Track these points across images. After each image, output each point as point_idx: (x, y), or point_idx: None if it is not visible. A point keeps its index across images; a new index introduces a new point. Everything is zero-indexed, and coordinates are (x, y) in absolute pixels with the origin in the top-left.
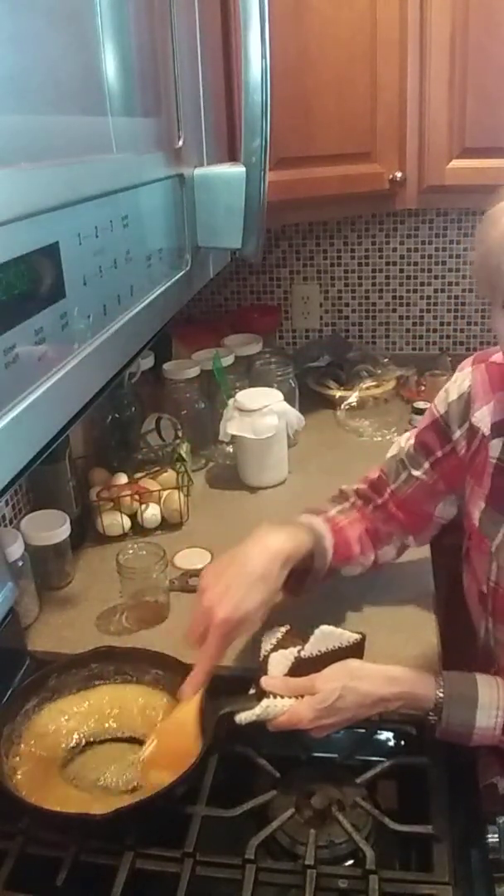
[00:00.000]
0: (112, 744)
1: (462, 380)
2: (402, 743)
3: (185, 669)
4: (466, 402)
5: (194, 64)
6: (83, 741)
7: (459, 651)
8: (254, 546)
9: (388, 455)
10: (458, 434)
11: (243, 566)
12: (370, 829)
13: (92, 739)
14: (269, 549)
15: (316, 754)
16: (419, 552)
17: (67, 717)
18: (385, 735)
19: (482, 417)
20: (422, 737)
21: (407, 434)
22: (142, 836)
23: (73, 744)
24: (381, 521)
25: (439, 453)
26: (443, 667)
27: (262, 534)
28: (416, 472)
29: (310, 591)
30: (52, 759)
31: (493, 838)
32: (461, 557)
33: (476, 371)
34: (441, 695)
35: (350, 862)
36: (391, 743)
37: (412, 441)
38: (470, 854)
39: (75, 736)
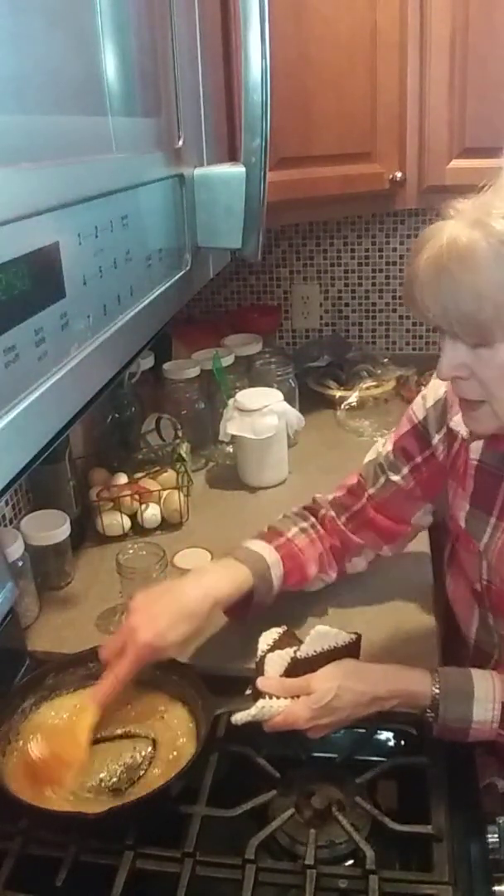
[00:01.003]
0: (109, 743)
1: (438, 386)
2: (402, 743)
3: (183, 669)
4: (443, 408)
5: (194, 64)
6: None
7: (458, 651)
8: (190, 583)
9: (367, 459)
10: (436, 439)
11: (176, 599)
12: (370, 829)
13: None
14: (204, 589)
15: (316, 754)
16: (419, 551)
17: (65, 716)
18: (385, 735)
19: (460, 422)
20: (422, 736)
21: (383, 439)
22: (142, 835)
23: (82, 727)
24: (355, 530)
25: (419, 458)
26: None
27: (201, 572)
28: (394, 477)
29: (254, 617)
30: (50, 758)
31: (492, 838)
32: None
33: None
34: (437, 690)
35: (350, 862)
36: (391, 743)
37: (390, 447)
38: (470, 854)
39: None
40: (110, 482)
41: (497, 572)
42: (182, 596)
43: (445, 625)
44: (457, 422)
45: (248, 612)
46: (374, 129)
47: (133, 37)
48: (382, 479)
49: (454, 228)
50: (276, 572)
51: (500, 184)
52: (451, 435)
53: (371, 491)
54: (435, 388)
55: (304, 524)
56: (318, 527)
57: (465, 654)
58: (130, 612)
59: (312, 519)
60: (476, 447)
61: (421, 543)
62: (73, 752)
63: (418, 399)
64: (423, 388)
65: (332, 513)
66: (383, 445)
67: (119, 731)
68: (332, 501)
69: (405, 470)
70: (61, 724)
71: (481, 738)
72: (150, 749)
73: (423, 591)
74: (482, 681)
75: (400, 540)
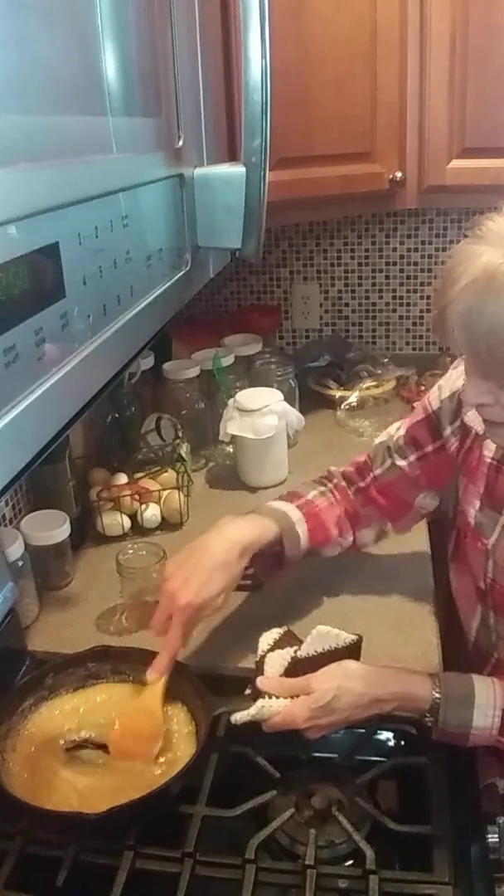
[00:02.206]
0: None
1: (455, 378)
2: (402, 743)
3: (183, 669)
4: (459, 401)
5: (194, 64)
6: (79, 740)
7: (457, 651)
8: (214, 536)
9: (377, 441)
10: (448, 431)
11: (203, 555)
12: (370, 829)
13: (88, 738)
14: (229, 538)
15: (316, 754)
16: (419, 550)
17: (64, 716)
18: (385, 735)
19: (475, 416)
20: (422, 737)
21: (398, 423)
22: (142, 835)
23: (69, 743)
24: (361, 504)
25: (429, 448)
26: (442, 667)
27: (222, 524)
28: (399, 462)
29: (287, 574)
30: (49, 758)
31: (493, 838)
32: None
33: None
34: (437, 695)
35: (350, 862)
36: (391, 743)
37: (402, 432)
38: (470, 854)
39: (72, 735)
40: (110, 482)
41: (503, 571)
42: (207, 550)
43: (447, 618)
44: (471, 417)
45: (279, 570)
46: (374, 129)
47: (133, 37)
48: (388, 463)
49: (493, 255)
50: (301, 528)
51: None
52: (465, 429)
53: (377, 472)
54: (452, 380)
55: (322, 488)
56: (335, 492)
57: (465, 650)
58: (165, 580)
59: (330, 484)
60: (490, 444)
61: (421, 544)
62: (151, 726)
63: (435, 389)
64: (423, 387)
65: (344, 483)
66: (396, 429)
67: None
68: (343, 474)
69: (412, 457)
70: (133, 709)
71: (481, 744)
72: (117, 734)
73: (423, 592)
74: (483, 687)
75: (403, 520)
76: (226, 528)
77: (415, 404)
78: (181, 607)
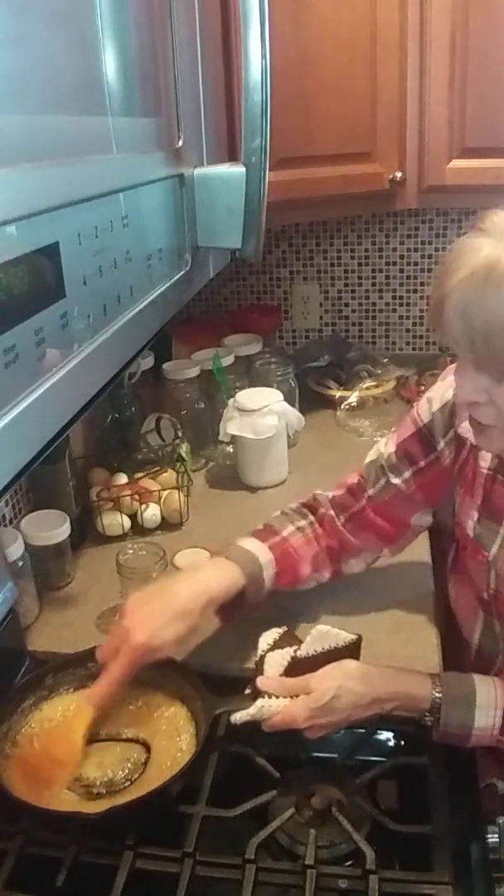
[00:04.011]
0: (108, 743)
1: (445, 389)
2: (402, 743)
3: (183, 669)
4: (451, 412)
5: (194, 64)
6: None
7: (457, 651)
8: (183, 581)
9: (368, 460)
10: (441, 444)
11: (169, 599)
12: (370, 829)
13: (88, 738)
14: (196, 588)
15: (316, 754)
16: (419, 553)
17: (64, 716)
18: (385, 735)
19: (469, 427)
20: (422, 737)
21: (385, 440)
22: (142, 835)
23: (78, 727)
24: (354, 531)
25: (422, 463)
26: (442, 667)
27: (194, 570)
28: (395, 480)
29: (243, 618)
30: (48, 757)
31: (493, 838)
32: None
33: None
34: (438, 695)
35: (350, 862)
36: (391, 743)
37: (392, 448)
38: (470, 854)
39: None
40: (110, 482)
41: None
42: (175, 595)
43: (446, 627)
44: (465, 427)
45: (238, 613)
46: (374, 129)
47: (133, 37)
48: (383, 482)
49: (495, 248)
50: (269, 572)
51: None
52: (459, 440)
53: (371, 492)
54: (441, 391)
55: (302, 522)
56: (317, 525)
57: (468, 658)
58: (124, 614)
59: (311, 517)
60: (486, 455)
61: (422, 548)
62: (66, 753)
63: (423, 401)
64: (423, 387)
65: (332, 513)
66: (384, 445)
67: (116, 732)
68: (332, 500)
69: (407, 474)
70: (56, 724)
71: (482, 745)
72: (143, 755)
73: (423, 593)
74: (484, 687)
75: (400, 541)
76: (196, 577)
77: (404, 420)
78: (133, 646)
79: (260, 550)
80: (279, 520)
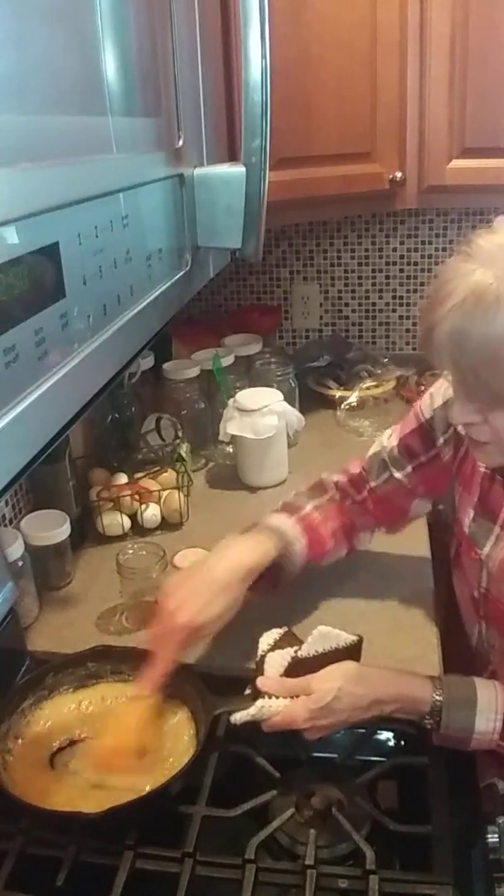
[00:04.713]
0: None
1: (447, 387)
2: (402, 743)
3: (183, 669)
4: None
5: (194, 64)
6: (79, 739)
7: (457, 652)
8: (218, 558)
9: (371, 452)
10: (441, 441)
11: (206, 577)
12: (370, 829)
13: (87, 738)
14: (232, 561)
15: (316, 754)
16: (419, 553)
17: (64, 716)
18: (385, 735)
19: None
20: (422, 737)
21: (388, 431)
22: (142, 835)
23: (69, 742)
24: (357, 515)
25: (423, 458)
26: (443, 667)
27: (226, 546)
28: (397, 474)
29: (283, 592)
30: (48, 757)
31: (493, 838)
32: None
33: None
34: (438, 698)
35: (350, 862)
36: (391, 743)
37: (395, 442)
38: (470, 854)
39: (71, 734)
40: (110, 482)
41: (496, 582)
42: (212, 572)
43: (448, 622)
44: None
45: (276, 587)
46: (374, 129)
47: (133, 37)
48: (386, 475)
49: (483, 275)
50: (299, 546)
51: None
52: (459, 438)
53: (373, 484)
54: (444, 388)
55: (318, 501)
56: (330, 505)
57: (468, 655)
58: (165, 597)
59: (325, 497)
60: None
61: (421, 545)
62: (133, 741)
63: (426, 397)
64: (423, 387)
65: (338, 496)
66: (388, 438)
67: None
68: (337, 484)
69: (409, 468)
70: (118, 716)
71: (482, 748)
72: (100, 745)
73: (423, 593)
74: (485, 691)
75: (397, 525)
76: (230, 551)
77: (407, 415)
78: (180, 626)
79: (287, 525)
80: (297, 498)
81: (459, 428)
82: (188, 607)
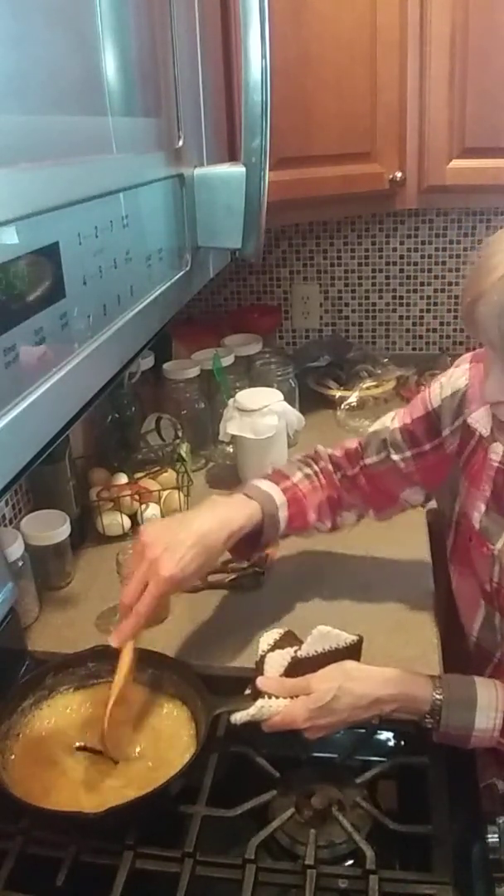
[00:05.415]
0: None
1: (459, 377)
2: (402, 743)
3: (183, 669)
4: (461, 401)
5: (194, 64)
6: (79, 739)
7: (457, 651)
8: (205, 514)
9: (371, 430)
10: (447, 431)
11: (191, 530)
12: (370, 829)
13: (87, 737)
14: (220, 519)
15: (316, 754)
16: (419, 552)
17: (64, 716)
18: (385, 735)
19: (480, 419)
20: (422, 737)
21: (392, 413)
22: (142, 835)
23: (68, 742)
24: (346, 490)
25: (426, 447)
26: (443, 667)
27: (214, 502)
28: (394, 457)
29: (257, 555)
30: (48, 757)
31: (493, 838)
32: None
33: (474, 370)
34: (438, 697)
35: (350, 862)
36: (391, 743)
37: (398, 424)
38: (470, 854)
39: (71, 734)
40: (110, 482)
41: None
42: (199, 528)
43: (446, 618)
44: (476, 418)
45: (254, 550)
46: (374, 129)
47: (133, 37)
48: (383, 455)
49: None
50: (283, 514)
51: None
52: (467, 431)
53: (367, 461)
54: (454, 379)
55: (308, 471)
56: (321, 475)
57: (465, 649)
58: (145, 545)
59: (315, 467)
60: (497, 448)
61: (421, 547)
62: (125, 708)
63: (435, 385)
64: (423, 387)
65: (330, 467)
66: (391, 420)
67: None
68: (331, 457)
69: (408, 453)
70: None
71: (482, 746)
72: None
73: (423, 593)
74: (485, 689)
75: (386, 510)
76: (218, 508)
77: (414, 399)
78: (163, 578)
79: (275, 491)
80: (288, 466)
81: (473, 418)
82: (171, 559)
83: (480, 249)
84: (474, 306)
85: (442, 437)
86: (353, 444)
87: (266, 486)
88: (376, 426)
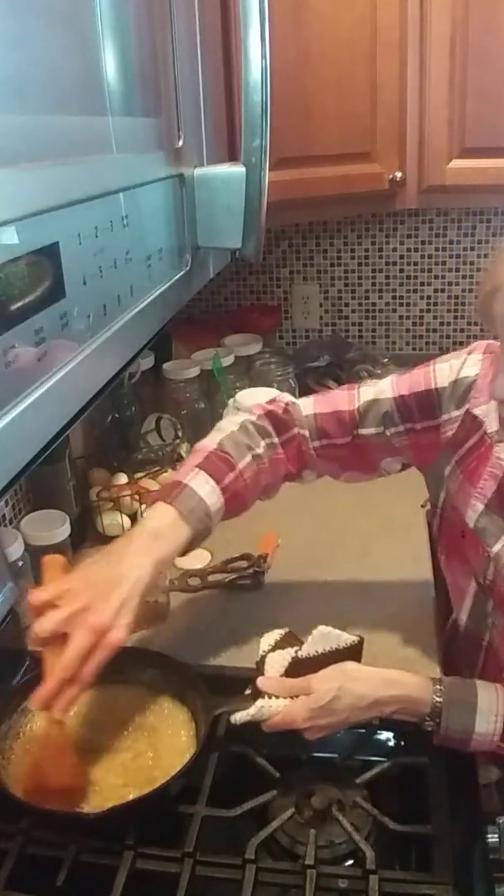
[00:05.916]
0: (108, 742)
1: (471, 364)
2: (402, 743)
3: (183, 669)
4: (467, 389)
5: (194, 64)
6: (78, 739)
7: (457, 651)
8: (138, 554)
9: (369, 396)
10: (446, 416)
11: (129, 578)
12: (370, 829)
13: (87, 737)
14: (152, 558)
15: (316, 754)
16: (419, 552)
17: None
18: (385, 735)
19: (488, 413)
20: (422, 737)
21: (389, 378)
22: (142, 835)
23: (68, 742)
24: (323, 457)
25: (419, 426)
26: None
27: (145, 537)
28: (388, 432)
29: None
30: (48, 757)
31: (493, 838)
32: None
33: (487, 360)
34: (439, 700)
35: (350, 862)
36: (391, 743)
37: (395, 394)
38: (470, 854)
39: (71, 734)
40: (110, 482)
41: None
42: (133, 571)
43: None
44: (483, 411)
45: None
46: (374, 129)
47: (133, 37)
48: (380, 429)
49: None
50: (217, 517)
51: None
52: (473, 422)
53: (363, 432)
54: (466, 365)
55: (260, 448)
56: (279, 449)
57: (455, 636)
58: (83, 607)
59: (275, 439)
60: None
61: (421, 544)
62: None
63: (444, 366)
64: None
65: (305, 433)
66: (389, 387)
67: (116, 731)
68: (315, 421)
69: (401, 427)
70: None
71: (482, 749)
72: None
73: (423, 592)
74: (485, 692)
75: (360, 477)
76: (152, 547)
77: (416, 370)
78: (112, 644)
79: (214, 498)
80: (237, 447)
81: (481, 410)
82: (119, 622)
83: (500, 241)
84: (492, 297)
85: (439, 419)
86: (345, 406)
87: (205, 490)
88: (374, 393)
